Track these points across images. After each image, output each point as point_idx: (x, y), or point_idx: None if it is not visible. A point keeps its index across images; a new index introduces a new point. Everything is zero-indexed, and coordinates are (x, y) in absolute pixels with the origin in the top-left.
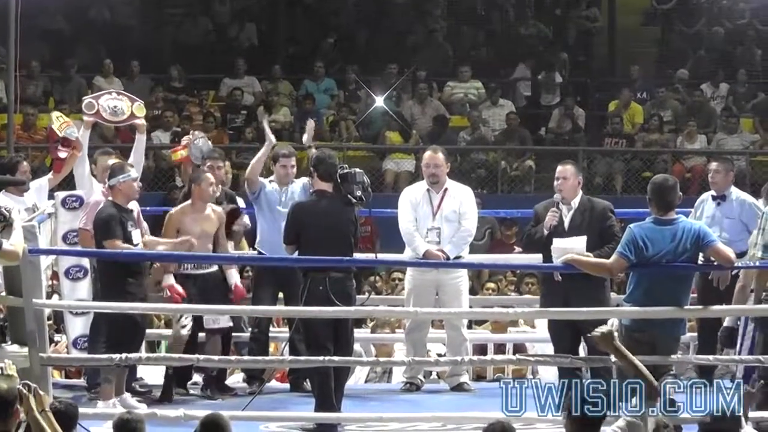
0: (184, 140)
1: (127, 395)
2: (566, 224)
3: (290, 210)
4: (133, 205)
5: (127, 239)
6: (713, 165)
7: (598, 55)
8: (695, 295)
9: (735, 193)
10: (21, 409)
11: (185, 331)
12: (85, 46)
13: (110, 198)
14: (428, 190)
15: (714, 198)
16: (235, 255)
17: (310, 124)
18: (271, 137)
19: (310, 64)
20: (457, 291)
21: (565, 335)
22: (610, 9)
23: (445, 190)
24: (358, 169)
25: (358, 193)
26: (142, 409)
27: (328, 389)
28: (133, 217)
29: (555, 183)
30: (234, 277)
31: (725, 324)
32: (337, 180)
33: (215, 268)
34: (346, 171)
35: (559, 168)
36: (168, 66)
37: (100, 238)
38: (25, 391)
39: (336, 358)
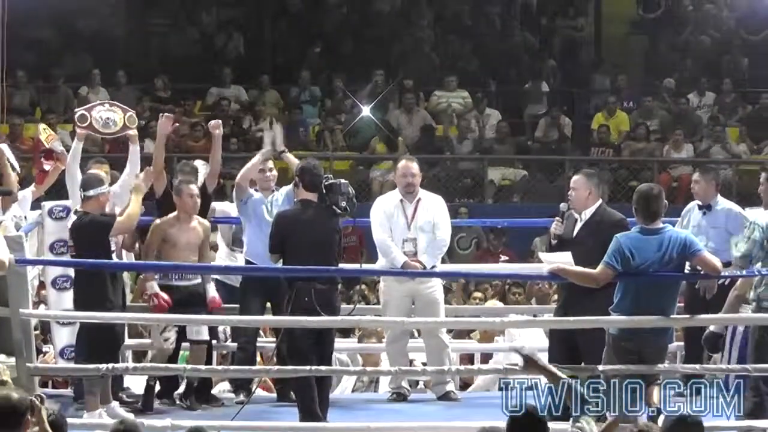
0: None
1: (114, 404)
2: (574, 234)
3: (275, 219)
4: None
5: (106, 247)
6: (695, 175)
7: (585, 65)
8: (682, 304)
9: (721, 202)
10: (32, 420)
11: (169, 345)
12: (72, 55)
13: (80, 208)
14: (401, 200)
15: (700, 207)
16: (222, 265)
17: (278, 128)
18: (277, 146)
19: (296, 74)
20: (434, 300)
21: (560, 345)
22: (596, 18)
23: (419, 200)
24: (343, 180)
25: (343, 203)
26: (129, 417)
27: (310, 400)
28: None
29: (569, 193)
30: (212, 290)
31: (711, 329)
32: (322, 190)
33: (198, 280)
34: (331, 181)
35: (573, 178)
36: (154, 76)
37: (101, 237)
38: (37, 403)
39: (323, 368)
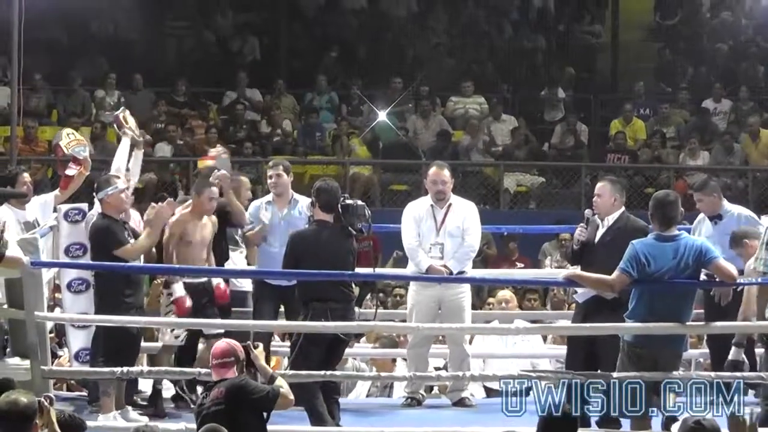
0: (213, 152)
1: (128, 408)
2: (597, 239)
3: (289, 239)
4: (134, 215)
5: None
6: (695, 196)
7: (601, 71)
8: (701, 311)
9: (729, 209)
10: (39, 423)
11: (178, 342)
12: (88, 59)
13: (100, 211)
14: (432, 205)
15: (710, 218)
16: (234, 269)
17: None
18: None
19: (312, 78)
20: (459, 307)
21: (578, 353)
22: (613, 25)
23: (449, 205)
24: (359, 201)
25: (359, 225)
26: (144, 421)
27: (318, 409)
28: (126, 228)
29: (593, 199)
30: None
31: (730, 357)
32: (338, 211)
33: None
34: (348, 202)
35: (598, 185)
36: (171, 79)
37: (108, 248)
38: (46, 404)
39: (338, 372)
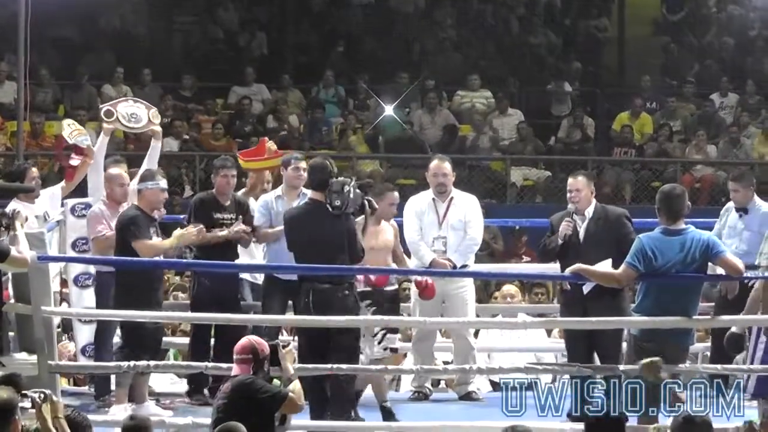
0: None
1: (150, 403)
2: (581, 234)
3: (283, 218)
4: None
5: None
6: (731, 185)
7: (608, 65)
8: (712, 304)
9: (758, 204)
10: (19, 419)
11: (387, 354)
12: (95, 54)
13: (134, 202)
14: (434, 199)
15: (737, 209)
16: (244, 264)
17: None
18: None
19: (319, 73)
20: (463, 300)
21: (579, 345)
22: (620, 19)
23: (451, 198)
24: (341, 178)
25: (337, 202)
26: (165, 415)
27: (321, 402)
28: (156, 226)
29: (568, 195)
30: None
31: (733, 329)
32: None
33: (395, 286)
34: (330, 180)
35: (571, 180)
36: (177, 74)
37: (129, 239)
38: (38, 400)
39: (344, 366)
